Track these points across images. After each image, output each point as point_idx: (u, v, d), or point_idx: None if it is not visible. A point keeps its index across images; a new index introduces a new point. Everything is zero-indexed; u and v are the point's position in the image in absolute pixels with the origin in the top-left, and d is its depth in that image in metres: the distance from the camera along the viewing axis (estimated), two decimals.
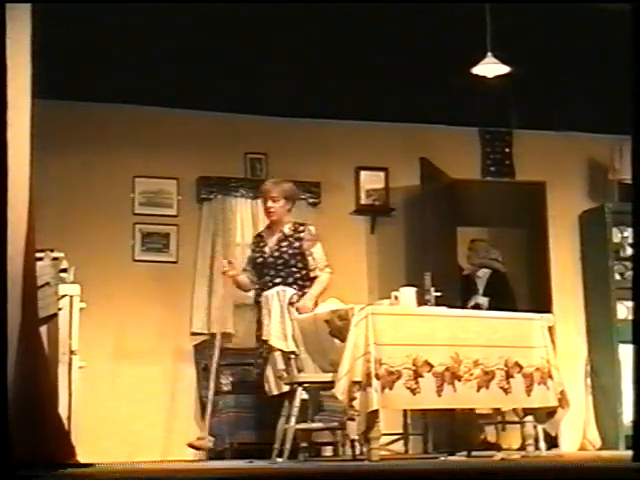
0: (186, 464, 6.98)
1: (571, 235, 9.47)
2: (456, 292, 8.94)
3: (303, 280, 6.97)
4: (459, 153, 9.33)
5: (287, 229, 7.11)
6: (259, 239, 7.27)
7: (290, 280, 6.92)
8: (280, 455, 6.03)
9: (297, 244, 7.03)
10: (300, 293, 6.82)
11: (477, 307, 8.56)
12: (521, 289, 9.44)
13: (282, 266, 6.98)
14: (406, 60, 7.71)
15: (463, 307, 8.31)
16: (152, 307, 8.34)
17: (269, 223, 7.22)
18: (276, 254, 7.03)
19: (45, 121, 4.97)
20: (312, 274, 6.98)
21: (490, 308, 8.44)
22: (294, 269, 6.98)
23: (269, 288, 6.79)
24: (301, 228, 7.11)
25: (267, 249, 7.09)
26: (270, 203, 7.05)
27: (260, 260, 7.10)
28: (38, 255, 5.16)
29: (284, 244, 7.05)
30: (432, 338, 5.88)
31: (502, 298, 8.51)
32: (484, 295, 8.75)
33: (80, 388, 6.03)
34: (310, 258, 7.00)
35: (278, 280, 6.91)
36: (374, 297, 8.09)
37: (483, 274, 8.83)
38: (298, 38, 7.37)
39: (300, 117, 8.86)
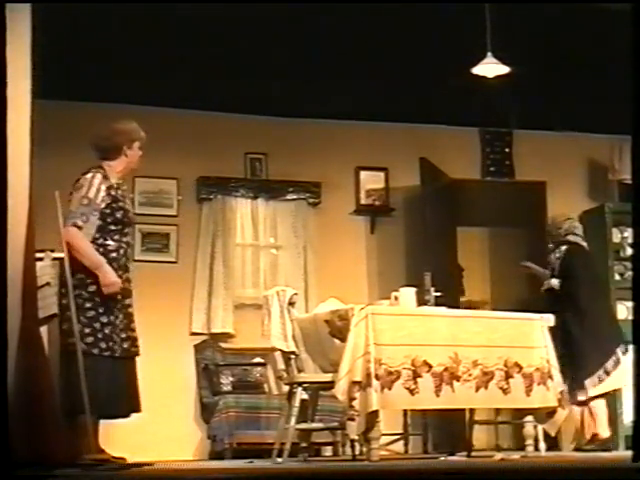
0: (186, 464, 6.97)
1: None
2: (456, 292, 8.96)
3: None
4: (459, 153, 9.33)
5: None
6: (118, 187, 5.81)
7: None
8: (280, 455, 6.03)
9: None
10: None
11: (550, 290, 7.68)
12: (521, 289, 9.43)
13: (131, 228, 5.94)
14: (406, 60, 7.71)
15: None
16: (152, 307, 8.32)
17: (124, 173, 5.92)
18: (133, 211, 6.00)
19: (45, 121, 4.97)
20: None
21: (563, 289, 7.62)
22: None
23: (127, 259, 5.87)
24: None
25: (130, 205, 5.92)
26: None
27: (131, 216, 5.94)
28: (38, 255, 5.16)
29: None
30: (431, 338, 5.88)
31: (573, 276, 7.63)
32: (558, 276, 7.70)
33: None
34: None
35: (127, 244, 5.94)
36: (374, 297, 8.09)
37: (559, 253, 7.79)
38: (298, 38, 7.37)
39: (300, 117, 8.86)
